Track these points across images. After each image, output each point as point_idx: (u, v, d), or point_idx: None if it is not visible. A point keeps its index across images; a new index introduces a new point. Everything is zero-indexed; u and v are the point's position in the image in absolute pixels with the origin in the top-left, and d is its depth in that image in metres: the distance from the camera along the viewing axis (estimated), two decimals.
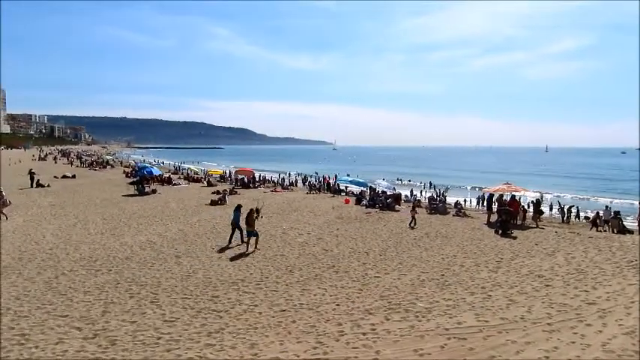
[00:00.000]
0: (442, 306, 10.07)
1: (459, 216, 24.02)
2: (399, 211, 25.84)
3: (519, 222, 21.01)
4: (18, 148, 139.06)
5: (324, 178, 47.97)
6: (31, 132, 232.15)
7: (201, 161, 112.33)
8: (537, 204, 22.79)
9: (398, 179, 60.93)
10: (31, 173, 36.90)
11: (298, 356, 7.65)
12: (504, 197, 21.91)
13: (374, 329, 8.78)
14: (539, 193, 37.21)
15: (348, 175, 45.90)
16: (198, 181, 44.42)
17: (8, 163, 66.80)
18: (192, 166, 64.67)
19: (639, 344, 7.75)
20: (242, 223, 16.22)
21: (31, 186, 34.95)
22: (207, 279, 12.15)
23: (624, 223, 21.61)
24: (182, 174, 52.64)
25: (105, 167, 65.75)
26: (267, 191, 36.71)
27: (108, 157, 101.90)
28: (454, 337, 8.31)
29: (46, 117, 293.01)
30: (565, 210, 28.51)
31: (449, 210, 25.62)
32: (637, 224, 22.62)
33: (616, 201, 41.26)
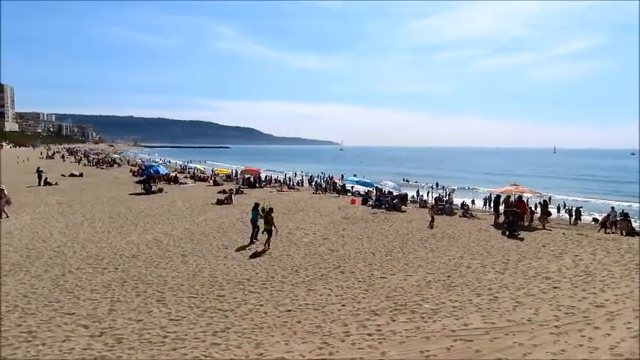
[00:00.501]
0: (448, 307, 10.03)
1: (466, 217, 23.94)
2: (405, 211, 25.77)
3: (526, 223, 20.89)
4: (26, 146, 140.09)
5: (330, 178, 47.97)
6: (39, 130, 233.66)
7: (208, 160, 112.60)
8: (545, 205, 22.66)
9: (404, 180, 60.76)
10: (39, 171, 37.16)
11: (304, 356, 7.64)
12: (511, 198, 21.80)
13: (380, 330, 8.76)
14: (546, 195, 36.96)
15: (354, 176, 45.87)
16: (204, 180, 44.54)
17: (16, 161, 67.37)
18: (198, 166, 64.87)
19: None
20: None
21: (39, 184, 35.22)
22: (213, 278, 12.17)
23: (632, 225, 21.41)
24: (188, 173, 52.79)
25: (112, 166, 66.07)
26: (273, 191, 36.75)
27: (115, 155, 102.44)
28: (460, 339, 8.28)
29: (53, 116, 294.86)
30: (573, 212, 28.32)
31: (455, 211, 25.53)
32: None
33: (621, 203, 40.82)
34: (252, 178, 41.74)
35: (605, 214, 23.91)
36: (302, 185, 46.46)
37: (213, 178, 44.64)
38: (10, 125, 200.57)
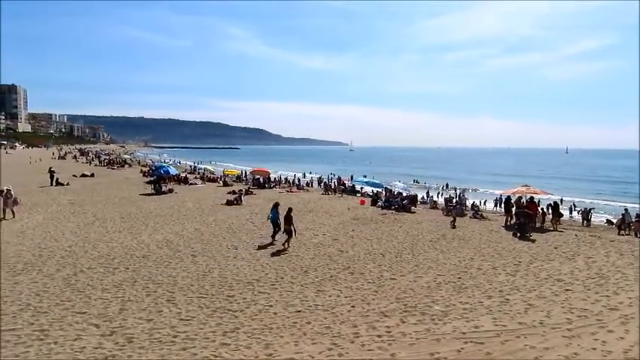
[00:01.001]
0: (459, 309, 9.95)
1: (476, 218, 23.79)
2: (415, 212, 25.67)
3: (538, 225, 20.69)
4: (38, 147, 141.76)
5: (340, 179, 47.92)
6: (51, 131, 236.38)
7: (217, 161, 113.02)
8: (556, 206, 22.41)
9: (414, 181, 60.54)
10: (51, 172, 37.53)
11: (313, 357, 7.63)
12: (522, 199, 21.62)
13: (389, 332, 8.71)
14: (557, 196, 36.60)
15: (364, 177, 45.79)
16: (214, 181, 44.72)
17: (29, 161, 68.16)
18: (208, 166, 65.17)
19: None
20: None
21: (51, 184, 35.58)
22: (222, 278, 12.20)
23: None
24: (198, 174, 53.05)
25: (123, 166, 66.61)
26: (283, 192, 36.79)
27: (126, 156, 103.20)
28: (471, 342, 8.21)
29: (65, 116, 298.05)
30: (585, 213, 27.99)
31: (466, 212, 25.37)
32: None
33: (635, 205, 40.24)
34: (261, 179, 41.83)
35: (619, 216, 23.61)
36: (311, 186, 46.46)
37: (222, 178, 44.81)
38: (23, 126, 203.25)
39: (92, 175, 46.15)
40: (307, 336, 8.52)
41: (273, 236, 16.92)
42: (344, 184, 41.45)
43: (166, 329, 8.72)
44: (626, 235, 20.61)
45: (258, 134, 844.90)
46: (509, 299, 10.59)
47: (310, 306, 10.21)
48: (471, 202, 30.54)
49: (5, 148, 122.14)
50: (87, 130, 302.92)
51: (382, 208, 26.76)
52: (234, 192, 31.55)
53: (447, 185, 54.58)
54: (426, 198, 36.46)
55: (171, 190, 33.09)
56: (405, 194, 29.61)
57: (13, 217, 20.59)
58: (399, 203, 26.70)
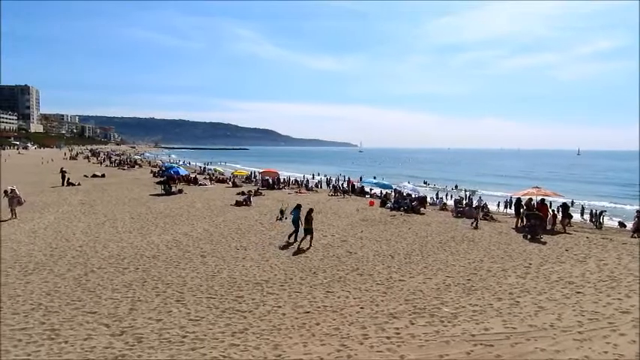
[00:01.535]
0: (468, 311, 9.90)
1: (486, 220, 23.61)
2: (424, 214, 25.57)
3: (549, 227, 20.50)
4: (50, 147, 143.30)
5: (349, 180, 47.87)
6: (63, 131, 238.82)
7: (227, 162, 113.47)
8: (566, 208, 22.17)
9: (424, 182, 60.32)
10: (63, 172, 37.87)
11: (322, 358, 7.62)
12: (533, 201, 21.44)
13: (398, 333, 8.69)
14: (567, 198, 36.23)
15: (374, 178, 45.68)
16: (223, 181, 44.88)
17: (41, 162, 68.87)
18: (217, 167, 65.43)
19: None
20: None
21: (62, 184, 35.91)
22: (231, 279, 12.24)
23: None
24: (208, 175, 53.26)
25: (133, 167, 67.05)
26: (292, 192, 36.81)
27: (136, 156, 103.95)
28: (480, 344, 8.16)
29: (77, 117, 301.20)
30: (597, 215, 27.70)
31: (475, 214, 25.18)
32: None
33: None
34: (270, 180, 41.91)
35: (635, 219, 23.27)
36: (320, 187, 46.45)
37: (232, 179, 44.96)
38: (36, 126, 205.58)
39: (103, 175, 46.52)
40: (316, 337, 8.51)
41: (290, 236, 17.15)
42: (353, 186, 41.39)
43: (176, 329, 8.77)
44: (639, 237, 20.31)
45: (268, 135, 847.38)
46: (519, 301, 10.51)
47: (319, 307, 10.20)
48: (481, 203, 30.26)
49: (18, 149, 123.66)
50: (98, 131, 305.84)
51: (391, 209, 26.68)
52: (243, 193, 31.64)
53: (457, 186, 54.33)
54: (435, 199, 36.30)
55: (180, 191, 33.24)
56: (414, 195, 29.51)
57: (15, 217, 20.40)
58: (408, 205, 26.60)
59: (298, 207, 17.71)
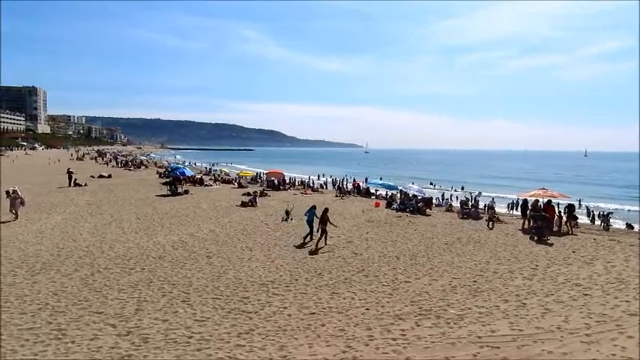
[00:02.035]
0: (474, 313, 9.86)
1: (492, 221, 23.48)
2: (429, 215, 25.50)
3: (556, 228, 20.38)
4: (57, 148, 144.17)
5: (354, 181, 47.82)
6: (70, 132, 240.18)
7: (232, 163, 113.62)
8: (571, 209, 22.00)
9: (430, 183, 60.15)
10: (69, 172, 38.06)
11: None
12: (540, 202, 21.32)
13: (404, 335, 8.66)
14: (572, 199, 36.00)
15: (380, 179, 45.59)
16: (229, 182, 44.97)
17: (48, 162, 69.28)
18: (223, 168, 65.56)
19: None
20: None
21: (69, 185, 36.09)
22: (237, 280, 12.26)
23: None
24: (214, 175, 53.37)
25: (139, 167, 67.31)
26: (297, 193, 36.82)
27: (142, 157, 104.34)
28: (487, 346, 8.12)
29: (84, 118, 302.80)
30: (604, 216, 27.49)
31: (481, 215, 25.11)
32: None
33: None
34: (276, 181, 41.94)
35: None
36: (325, 188, 46.43)
37: (237, 180, 45.04)
38: (43, 127, 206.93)
39: (109, 176, 46.74)
40: (321, 338, 8.51)
41: (311, 236, 17.29)
42: (358, 186, 41.33)
43: (181, 330, 8.79)
44: None
45: (273, 136, 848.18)
46: (525, 303, 10.45)
47: (324, 308, 10.20)
48: (493, 204, 30.12)
49: (25, 149, 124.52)
50: (104, 132, 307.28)
51: (397, 210, 26.64)
52: (248, 194, 31.65)
53: (463, 188, 54.14)
54: (441, 200, 36.19)
55: (186, 192, 33.34)
56: (419, 197, 29.44)
57: (16, 218, 20.27)
58: (413, 206, 26.55)
59: (313, 208, 17.94)
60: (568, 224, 20.98)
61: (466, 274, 13.02)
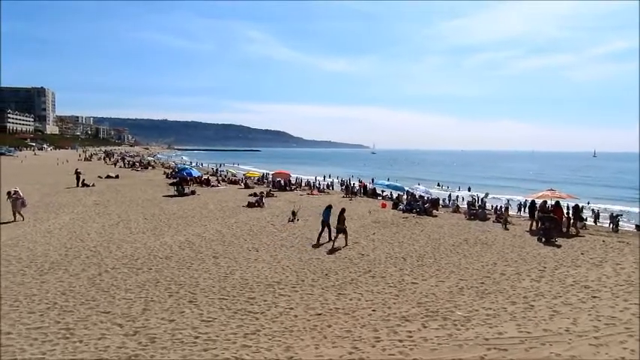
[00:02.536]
0: (482, 315, 9.80)
1: (499, 222, 23.38)
2: (436, 216, 25.41)
3: (564, 230, 20.25)
4: (65, 149, 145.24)
5: (361, 182, 47.74)
6: (78, 133, 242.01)
7: (239, 164, 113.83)
8: (577, 210, 21.83)
9: (438, 184, 59.92)
10: (77, 173, 38.29)
11: None
12: (548, 204, 21.19)
13: (411, 336, 8.63)
14: (584, 200, 35.69)
15: (388, 180, 45.49)
16: (235, 183, 45.08)
17: (56, 163, 69.76)
18: (230, 169, 65.74)
19: None
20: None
21: (77, 185, 36.31)
22: (243, 280, 12.27)
23: None
24: (220, 176, 53.51)
25: (146, 168, 67.60)
26: (304, 194, 36.84)
27: (149, 158, 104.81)
28: (494, 348, 8.07)
29: (91, 119, 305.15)
30: (613, 218, 27.24)
31: (489, 216, 24.99)
32: None
33: None
34: (282, 181, 41.99)
35: None
36: (332, 188, 46.41)
37: (244, 181, 45.14)
38: (51, 128, 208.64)
39: (117, 176, 46.98)
40: (328, 339, 8.50)
41: (328, 236, 17.31)
42: (365, 187, 41.27)
43: (188, 330, 8.81)
44: None
45: (280, 136, 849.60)
46: (533, 305, 10.39)
47: (331, 309, 10.18)
48: (507, 204, 29.91)
49: (34, 150, 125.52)
50: (112, 132, 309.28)
51: (403, 211, 26.57)
52: (255, 194, 31.70)
53: (470, 189, 53.87)
54: (447, 201, 36.05)
55: (193, 192, 33.44)
56: (426, 198, 29.35)
57: (15, 220, 20.09)
58: (420, 207, 26.47)
59: (329, 207, 17.98)
60: (575, 225, 20.83)
61: (473, 276, 12.96)
